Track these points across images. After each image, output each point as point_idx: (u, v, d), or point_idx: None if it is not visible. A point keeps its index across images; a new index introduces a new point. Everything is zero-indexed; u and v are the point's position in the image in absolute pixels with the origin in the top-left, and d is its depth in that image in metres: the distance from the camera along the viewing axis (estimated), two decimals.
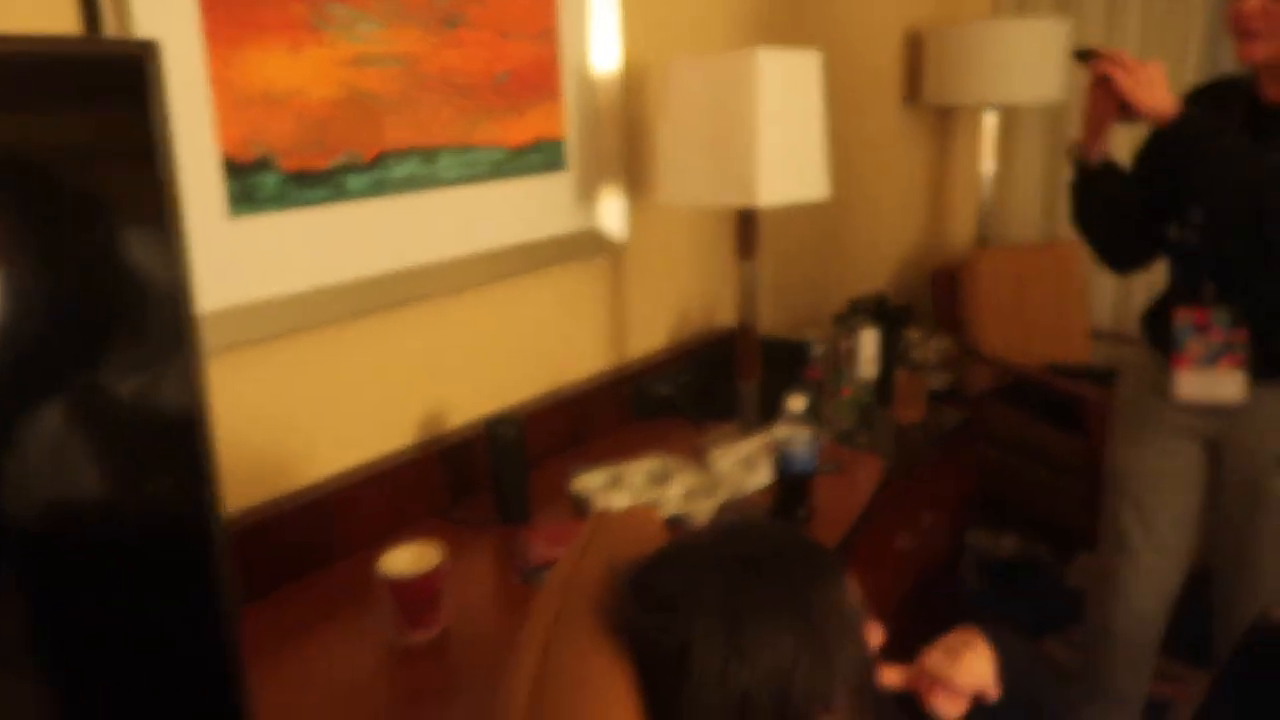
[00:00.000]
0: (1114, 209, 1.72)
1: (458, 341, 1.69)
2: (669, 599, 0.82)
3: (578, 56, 1.79)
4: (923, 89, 3.04)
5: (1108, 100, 1.56)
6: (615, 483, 1.58)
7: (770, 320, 2.54)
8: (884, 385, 2.09)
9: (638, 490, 1.55)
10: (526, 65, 1.69)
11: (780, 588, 0.83)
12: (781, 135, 1.58)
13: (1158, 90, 1.52)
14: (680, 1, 2.08)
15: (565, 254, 1.85)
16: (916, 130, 3.19)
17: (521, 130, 1.70)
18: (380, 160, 1.48)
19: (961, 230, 3.38)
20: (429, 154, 1.54)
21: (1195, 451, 1.77)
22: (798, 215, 2.64)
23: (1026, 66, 2.90)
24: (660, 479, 1.59)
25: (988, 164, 3.14)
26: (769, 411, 1.94)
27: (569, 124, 1.80)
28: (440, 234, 1.59)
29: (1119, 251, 1.79)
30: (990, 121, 3.11)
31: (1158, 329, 1.75)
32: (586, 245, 1.89)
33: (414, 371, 1.62)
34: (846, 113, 2.85)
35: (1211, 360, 1.64)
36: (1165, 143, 1.57)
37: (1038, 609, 2.55)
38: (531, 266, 1.77)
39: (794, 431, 1.45)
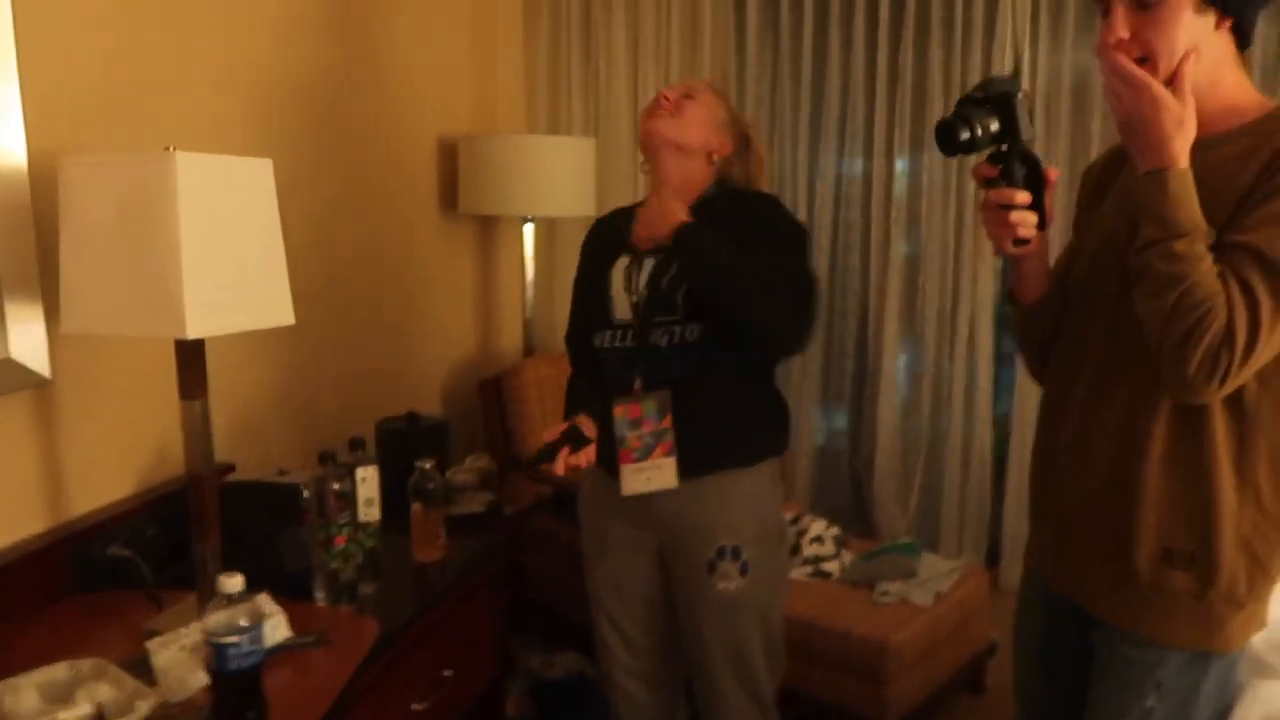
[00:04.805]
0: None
1: None
2: None
3: None
4: (459, 199, 2.97)
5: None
6: None
7: (284, 452, 2.24)
8: (402, 522, 1.88)
9: (22, 718, 1.17)
10: None
11: None
12: (218, 255, 1.33)
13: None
14: (155, 94, 1.78)
15: None
16: (459, 239, 3.11)
17: None
18: None
19: (511, 340, 3.33)
20: None
21: (646, 563, 1.83)
22: (323, 329, 2.39)
23: (560, 180, 2.95)
24: (62, 695, 1.22)
25: (531, 272, 3.13)
26: (254, 574, 1.64)
27: None
28: None
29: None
30: (530, 232, 3.11)
31: (602, 443, 1.76)
32: None
33: None
34: (383, 219, 2.69)
35: (646, 453, 1.72)
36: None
37: None
38: None
39: (230, 617, 1.18)
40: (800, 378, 3.37)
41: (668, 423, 1.70)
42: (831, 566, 2.64)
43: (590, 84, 3.31)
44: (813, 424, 3.41)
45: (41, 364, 1.55)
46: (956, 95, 3.11)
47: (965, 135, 1.23)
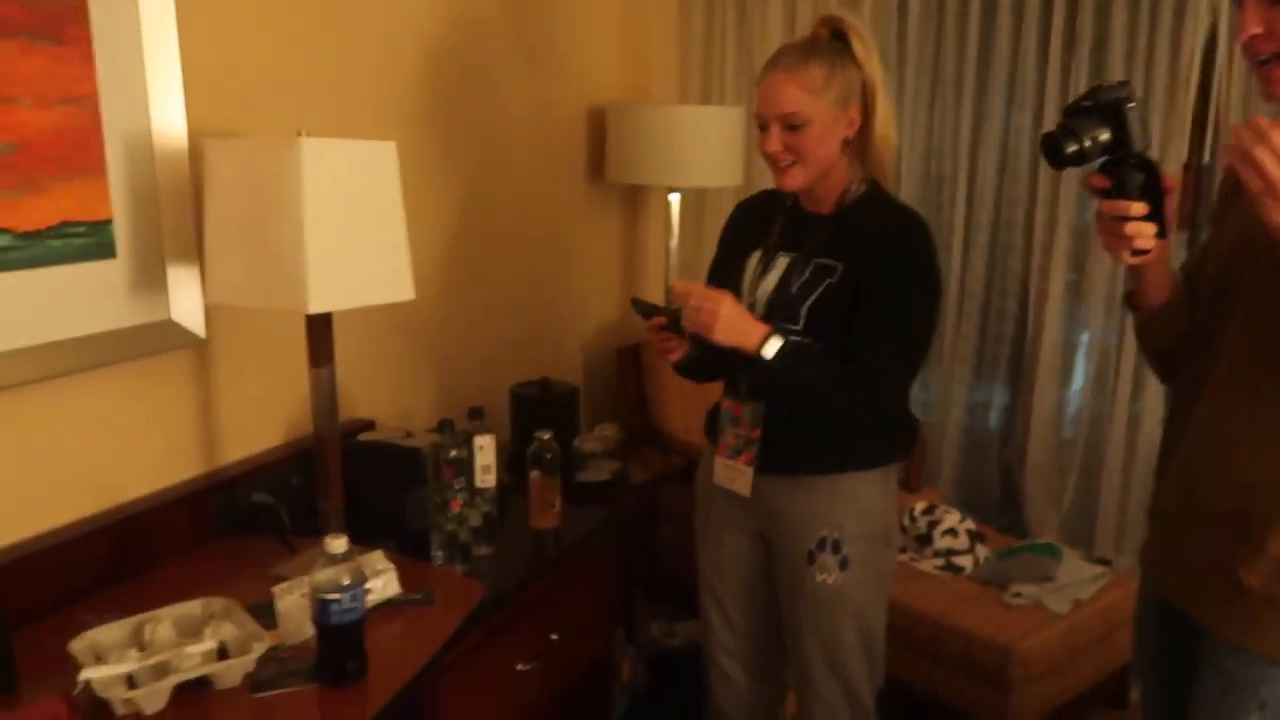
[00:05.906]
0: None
1: None
2: None
3: (133, 125, 1.55)
4: (606, 168, 3.00)
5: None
6: (134, 637, 1.32)
7: (428, 409, 2.36)
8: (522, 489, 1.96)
9: (159, 647, 1.30)
10: (46, 135, 1.42)
11: None
12: (341, 234, 1.41)
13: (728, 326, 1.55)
14: (305, 75, 1.89)
15: (123, 352, 1.58)
16: (605, 207, 3.14)
17: (41, 212, 1.43)
18: None
19: None
20: None
21: (750, 546, 1.84)
22: (468, 293, 2.49)
23: (708, 150, 2.92)
24: (193, 630, 1.35)
25: (676, 243, 3.13)
26: (380, 529, 1.76)
27: (120, 204, 1.54)
28: None
29: None
30: (676, 201, 3.10)
31: (711, 422, 1.85)
32: (155, 340, 1.63)
33: None
34: (530, 187, 2.75)
35: (736, 453, 1.74)
36: None
37: (700, 699, 2.47)
38: (65, 369, 1.49)
39: (335, 575, 1.26)
40: (951, 361, 3.23)
41: (756, 434, 1.70)
42: (964, 561, 2.54)
43: (744, 53, 3.25)
44: (962, 410, 3.27)
45: (198, 325, 1.69)
46: (1141, 62, 2.88)
47: (1073, 148, 1.14)
